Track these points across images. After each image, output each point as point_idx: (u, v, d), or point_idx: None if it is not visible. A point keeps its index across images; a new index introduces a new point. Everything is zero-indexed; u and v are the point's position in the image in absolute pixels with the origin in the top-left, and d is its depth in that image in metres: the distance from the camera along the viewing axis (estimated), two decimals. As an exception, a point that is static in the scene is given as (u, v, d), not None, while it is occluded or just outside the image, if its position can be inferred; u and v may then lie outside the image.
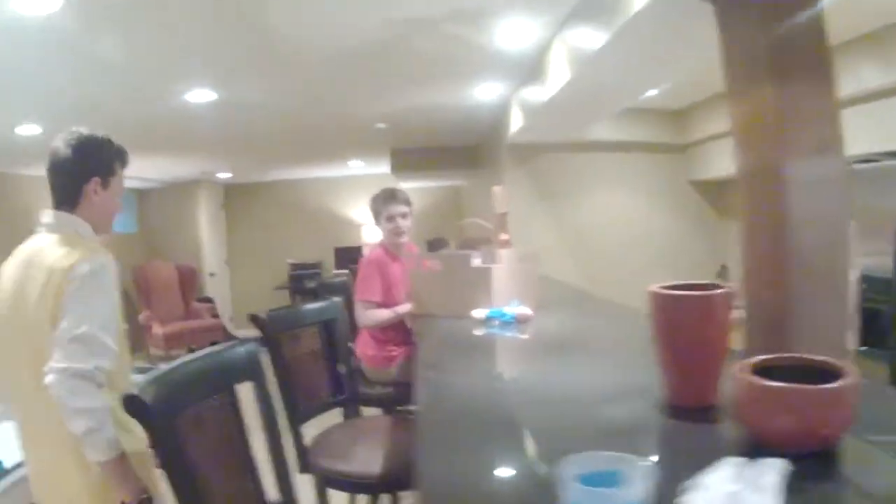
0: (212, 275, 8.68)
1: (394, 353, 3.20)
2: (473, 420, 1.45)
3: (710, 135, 5.15)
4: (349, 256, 9.20)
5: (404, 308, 3.18)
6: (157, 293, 7.33)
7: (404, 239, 3.26)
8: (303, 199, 9.55)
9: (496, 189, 4.92)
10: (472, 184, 8.75)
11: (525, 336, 2.64)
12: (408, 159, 7.35)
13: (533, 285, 3.18)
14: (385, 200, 3.23)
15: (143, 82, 3.55)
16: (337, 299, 2.83)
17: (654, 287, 1.33)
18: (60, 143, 1.72)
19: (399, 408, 3.04)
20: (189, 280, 7.89)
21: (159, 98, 3.87)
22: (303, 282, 9.08)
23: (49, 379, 1.48)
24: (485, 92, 4.40)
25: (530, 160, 5.26)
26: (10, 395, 1.73)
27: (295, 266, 9.21)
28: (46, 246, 1.65)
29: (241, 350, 1.53)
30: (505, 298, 2.97)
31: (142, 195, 8.68)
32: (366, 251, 3.05)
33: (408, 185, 9.37)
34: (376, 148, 7.13)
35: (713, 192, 5.65)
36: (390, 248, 3.26)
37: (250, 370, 1.52)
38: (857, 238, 3.01)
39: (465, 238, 5.27)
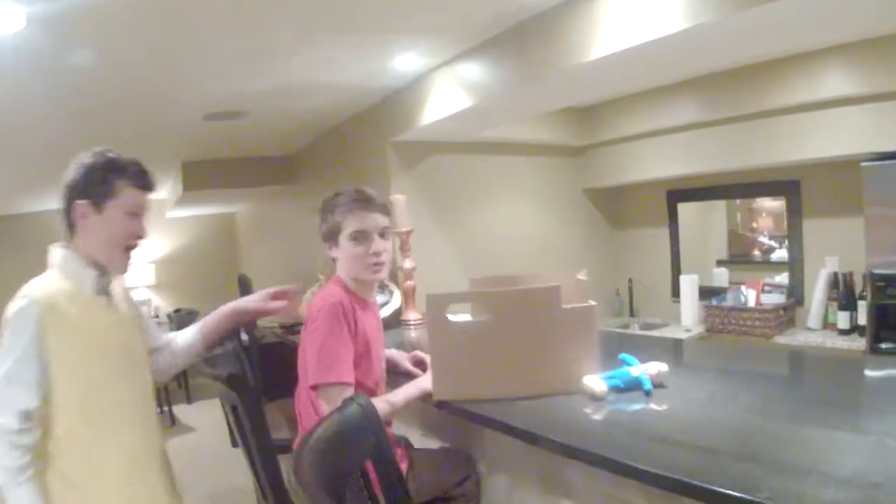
0: None
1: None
2: None
3: (606, 139, 4.48)
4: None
5: (418, 388, 1.79)
6: None
7: (383, 274, 1.89)
8: (46, 237, 7.03)
9: (398, 198, 3.62)
10: (258, 207, 7.20)
11: (666, 411, 1.56)
12: (206, 175, 5.53)
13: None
14: (351, 206, 1.83)
15: None
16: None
17: None
18: None
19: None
20: None
21: None
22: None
23: None
24: (405, 64, 3.06)
25: (416, 163, 3.96)
26: None
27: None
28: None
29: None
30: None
31: None
32: (313, 294, 1.80)
33: (181, 214, 7.50)
34: (162, 160, 5.25)
35: (606, 201, 4.95)
36: (355, 289, 1.87)
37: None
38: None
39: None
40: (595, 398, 1.61)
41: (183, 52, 2.60)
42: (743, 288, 3.67)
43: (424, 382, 1.81)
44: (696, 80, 3.73)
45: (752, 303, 3.59)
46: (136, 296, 7.05)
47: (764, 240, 4.41)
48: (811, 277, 3.65)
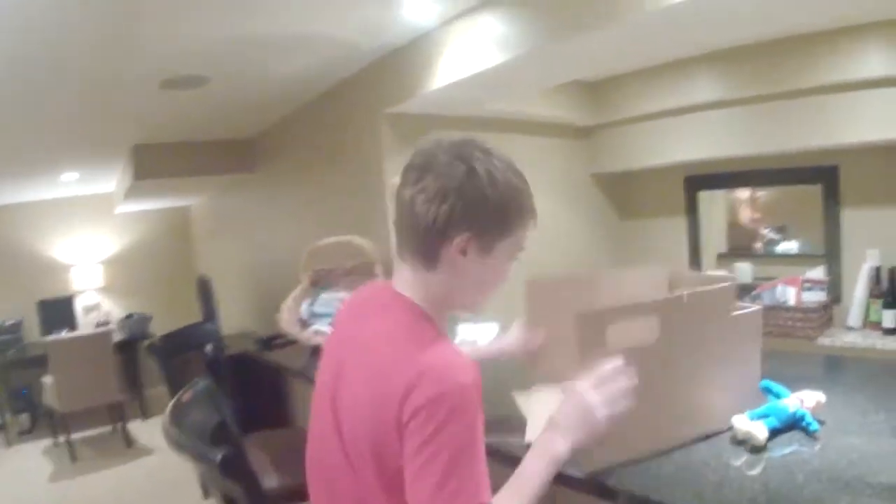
0: None
1: None
2: None
3: (617, 119, 4.10)
4: (59, 312, 6.30)
5: (552, 460, 1.10)
6: None
7: None
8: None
9: (396, 182, 3.10)
10: (214, 199, 6.61)
11: (856, 459, 1.13)
12: (160, 161, 4.91)
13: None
14: (534, 211, 1.20)
15: None
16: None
17: None
18: None
19: None
20: None
21: None
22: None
23: None
24: (417, 13, 2.57)
25: (414, 141, 3.47)
26: None
27: (-20, 334, 6.01)
28: None
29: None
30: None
31: None
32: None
33: (131, 208, 6.84)
34: (110, 144, 4.63)
35: (615, 187, 4.57)
36: (439, 324, 1.16)
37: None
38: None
39: (317, 271, 3.37)
40: (752, 448, 1.17)
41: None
42: (780, 285, 3.32)
43: (555, 444, 1.08)
44: (720, 53, 3.39)
45: (792, 301, 3.24)
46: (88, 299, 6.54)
47: (766, 231, 4.13)
48: (849, 272, 3.36)
